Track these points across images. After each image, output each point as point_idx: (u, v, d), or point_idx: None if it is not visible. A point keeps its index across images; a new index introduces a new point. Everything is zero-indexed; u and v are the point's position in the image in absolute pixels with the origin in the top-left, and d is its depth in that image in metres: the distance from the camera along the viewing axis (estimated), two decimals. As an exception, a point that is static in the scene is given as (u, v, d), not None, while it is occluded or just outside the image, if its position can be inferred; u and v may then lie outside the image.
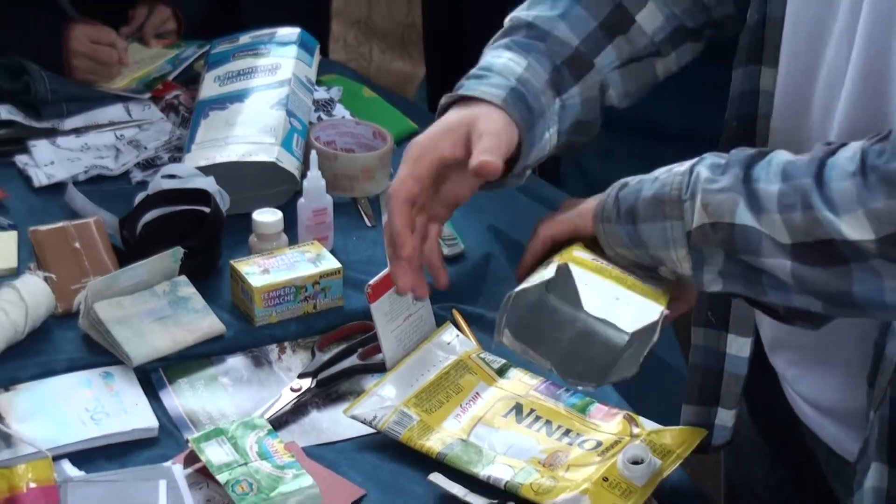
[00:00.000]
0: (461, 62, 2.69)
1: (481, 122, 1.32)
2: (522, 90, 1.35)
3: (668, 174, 1.21)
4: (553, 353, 1.28)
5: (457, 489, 1.35)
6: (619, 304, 1.20)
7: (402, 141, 2.01)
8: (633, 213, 1.22)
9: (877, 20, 1.17)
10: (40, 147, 1.97)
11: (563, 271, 1.23)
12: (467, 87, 1.36)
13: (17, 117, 2.01)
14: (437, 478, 1.37)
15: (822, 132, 1.27)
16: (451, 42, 2.72)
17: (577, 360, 1.28)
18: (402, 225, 1.31)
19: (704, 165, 1.19)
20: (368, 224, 1.87)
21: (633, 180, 1.25)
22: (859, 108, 1.22)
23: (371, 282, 1.50)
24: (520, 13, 1.43)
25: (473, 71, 1.39)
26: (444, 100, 1.37)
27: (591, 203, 1.28)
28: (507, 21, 1.43)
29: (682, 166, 1.21)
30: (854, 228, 1.10)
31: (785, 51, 1.31)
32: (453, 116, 1.34)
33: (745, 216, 1.15)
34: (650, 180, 1.23)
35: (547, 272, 1.25)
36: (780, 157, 1.17)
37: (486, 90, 1.34)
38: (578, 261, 1.25)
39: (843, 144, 1.14)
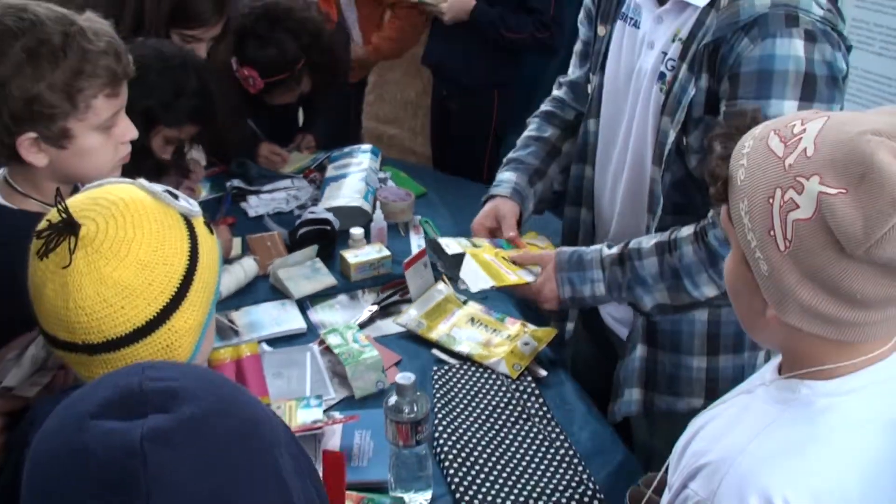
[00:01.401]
0: (450, 147, 2.63)
1: (500, 208, 1.37)
2: (518, 188, 1.40)
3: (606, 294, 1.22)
4: (446, 264, 1.36)
5: (444, 356, 1.43)
6: (469, 272, 1.25)
7: (419, 196, 1.99)
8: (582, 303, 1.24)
9: (636, 149, 1.25)
10: (252, 198, 1.99)
11: (461, 255, 1.27)
12: (491, 191, 1.41)
13: (241, 184, 2.03)
14: (436, 352, 1.44)
15: (613, 203, 1.31)
16: (445, 138, 2.63)
17: (452, 269, 1.32)
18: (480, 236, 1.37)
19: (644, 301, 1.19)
20: (402, 235, 1.84)
21: (582, 292, 1.22)
22: (630, 193, 1.28)
23: (405, 261, 1.56)
24: (510, 155, 1.45)
25: (494, 182, 1.42)
26: (483, 198, 1.41)
27: (552, 291, 1.25)
28: (504, 160, 1.45)
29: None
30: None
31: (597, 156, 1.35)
32: (488, 206, 1.39)
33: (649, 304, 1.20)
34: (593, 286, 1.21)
35: (456, 247, 1.28)
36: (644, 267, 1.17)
37: (500, 191, 1.40)
38: (477, 256, 1.27)
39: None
